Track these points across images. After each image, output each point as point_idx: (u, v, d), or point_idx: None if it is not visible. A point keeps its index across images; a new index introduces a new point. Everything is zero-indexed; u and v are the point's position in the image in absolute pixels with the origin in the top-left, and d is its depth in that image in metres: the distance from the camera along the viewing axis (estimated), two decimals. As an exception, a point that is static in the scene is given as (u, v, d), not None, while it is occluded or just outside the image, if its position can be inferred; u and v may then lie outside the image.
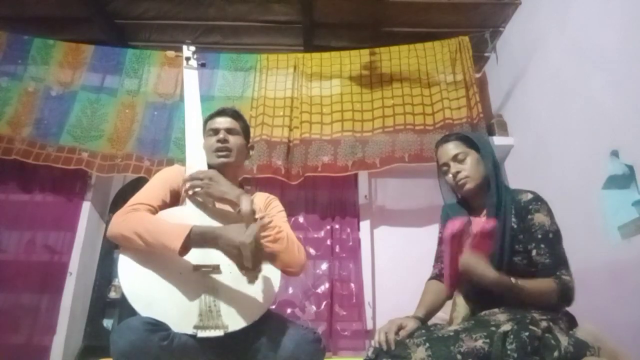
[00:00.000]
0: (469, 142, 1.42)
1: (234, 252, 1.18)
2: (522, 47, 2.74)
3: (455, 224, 1.22)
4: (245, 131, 1.57)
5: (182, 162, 2.63)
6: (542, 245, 1.25)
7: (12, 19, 3.03)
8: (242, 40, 3.26)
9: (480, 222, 1.23)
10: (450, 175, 1.41)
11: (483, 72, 3.38)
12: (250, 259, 1.15)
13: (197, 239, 1.21)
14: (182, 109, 2.80)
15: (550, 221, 1.29)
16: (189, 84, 1.73)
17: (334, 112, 2.91)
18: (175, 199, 1.41)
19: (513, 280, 1.19)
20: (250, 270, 1.18)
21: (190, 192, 1.36)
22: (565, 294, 1.21)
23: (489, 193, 1.37)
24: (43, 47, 2.96)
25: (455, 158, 1.40)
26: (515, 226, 1.30)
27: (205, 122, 1.56)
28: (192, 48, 1.84)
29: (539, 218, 1.28)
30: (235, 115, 1.55)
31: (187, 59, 1.81)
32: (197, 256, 1.27)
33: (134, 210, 1.30)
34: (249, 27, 3.14)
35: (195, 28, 3.12)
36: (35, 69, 2.91)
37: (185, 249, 1.20)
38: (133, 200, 1.35)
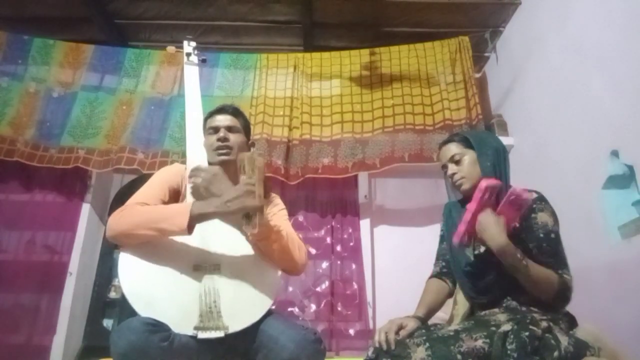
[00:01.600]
0: (468, 142, 1.42)
1: (241, 199, 1.20)
2: (522, 47, 2.74)
3: (494, 180, 1.21)
4: (246, 128, 1.56)
5: (177, 154, 2.67)
6: (544, 245, 1.25)
7: (12, 19, 3.03)
8: (242, 40, 3.26)
9: (521, 189, 1.21)
10: (449, 177, 1.42)
11: (483, 72, 3.38)
12: (259, 192, 1.20)
13: (201, 209, 1.22)
14: (179, 105, 2.82)
15: (553, 222, 1.28)
16: (189, 80, 1.73)
17: (334, 114, 2.92)
18: (174, 199, 1.40)
19: (520, 254, 1.19)
20: (260, 213, 1.22)
21: (190, 183, 1.36)
22: (564, 292, 1.20)
23: None
24: (43, 47, 2.96)
25: (452, 159, 1.40)
26: (517, 225, 1.29)
27: (205, 119, 1.55)
28: (193, 44, 1.84)
29: (542, 218, 1.28)
30: (235, 112, 1.54)
31: (188, 54, 1.81)
32: (197, 256, 1.27)
33: (131, 207, 1.30)
34: (249, 27, 3.13)
35: (195, 28, 3.12)
36: (36, 69, 2.91)
37: (191, 226, 1.21)
38: (131, 199, 1.34)
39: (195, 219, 1.22)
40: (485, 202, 1.21)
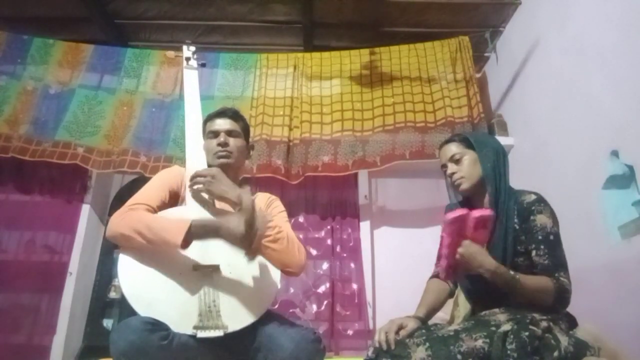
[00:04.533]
0: (469, 142, 1.42)
1: (237, 238, 1.19)
2: (522, 47, 2.74)
3: (456, 211, 1.22)
4: (245, 131, 1.57)
5: (181, 159, 2.66)
6: (542, 247, 1.25)
7: (12, 19, 3.03)
8: (242, 40, 3.26)
9: (478, 211, 1.22)
10: (448, 176, 1.42)
11: (483, 72, 3.38)
12: (253, 243, 1.19)
13: (198, 231, 1.21)
14: (181, 108, 2.80)
15: (552, 223, 1.28)
16: (189, 84, 1.73)
17: (334, 112, 2.92)
18: (174, 200, 1.41)
19: (512, 272, 1.20)
20: (249, 257, 1.22)
21: (190, 188, 1.36)
22: (561, 297, 1.20)
23: (487, 193, 1.37)
24: (43, 47, 2.97)
25: (452, 159, 1.41)
26: (517, 227, 1.29)
27: (205, 123, 1.55)
28: (192, 48, 1.84)
29: (541, 219, 1.28)
30: (235, 116, 1.54)
31: (187, 59, 1.81)
32: (197, 256, 1.27)
33: (133, 209, 1.30)
34: (249, 27, 3.14)
35: (195, 28, 3.12)
36: (35, 68, 2.91)
37: (186, 242, 1.20)
38: (132, 200, 1.34)
39: (193, 237, 1.21)
40: (456, 234, 1.22)
